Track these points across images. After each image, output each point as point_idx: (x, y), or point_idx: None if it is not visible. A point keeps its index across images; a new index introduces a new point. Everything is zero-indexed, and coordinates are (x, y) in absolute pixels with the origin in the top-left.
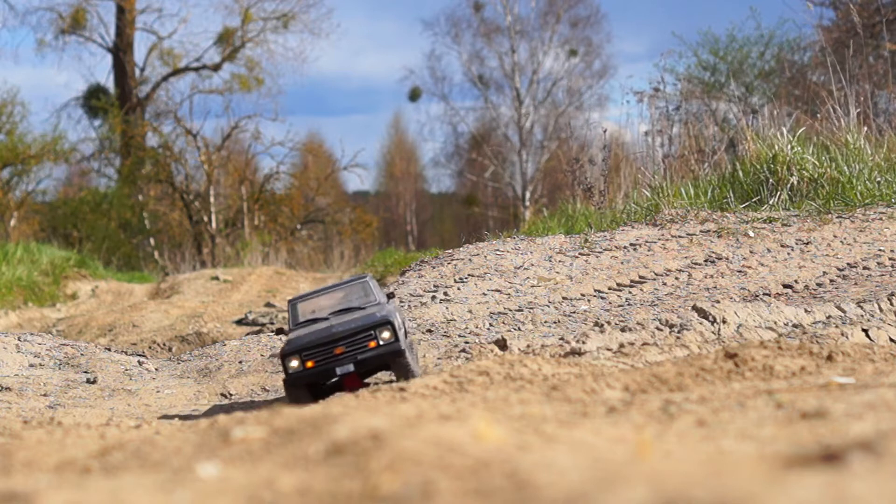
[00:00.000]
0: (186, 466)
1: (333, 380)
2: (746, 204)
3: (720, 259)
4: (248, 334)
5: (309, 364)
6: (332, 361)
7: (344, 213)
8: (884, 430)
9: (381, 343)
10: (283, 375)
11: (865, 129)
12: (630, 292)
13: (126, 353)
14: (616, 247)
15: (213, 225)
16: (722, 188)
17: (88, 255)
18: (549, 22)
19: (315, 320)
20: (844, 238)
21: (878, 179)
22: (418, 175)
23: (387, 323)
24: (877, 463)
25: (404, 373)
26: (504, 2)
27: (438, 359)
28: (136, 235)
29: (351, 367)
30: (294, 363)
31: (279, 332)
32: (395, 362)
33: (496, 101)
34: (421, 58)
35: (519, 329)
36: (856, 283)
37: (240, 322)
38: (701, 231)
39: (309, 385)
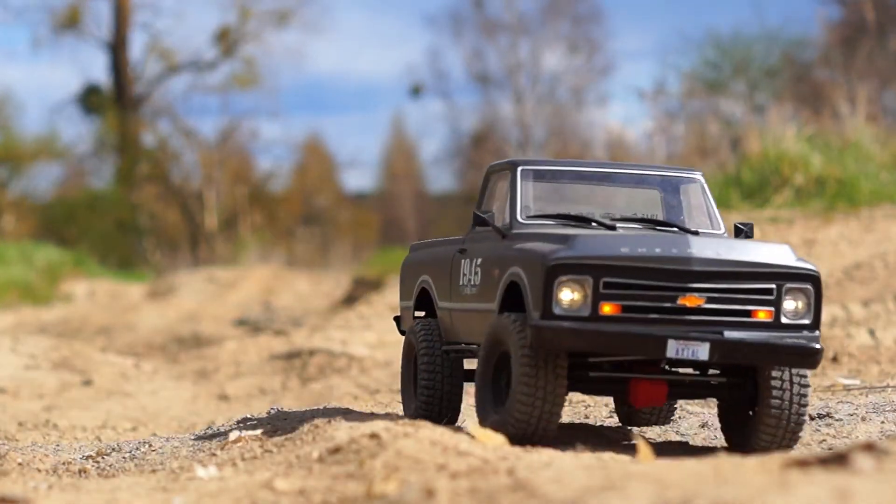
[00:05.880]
0: (184, 468)
1: (627, 374)
2: (751, 203)
3: None
4: (245, 335)
5: (609, 308)
6: (668, 320)
7: (343, 212)
8: (889, 432)
9: (784, 321)
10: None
11: (872, 127)
12: None
13: (122, 354)
14: None
15: (211, 224)
16: (726, 187)
17: (84, 255)
18: (551, 19)
19: (584, 220)
20: (850, 238)
21: (885, 179)
22: (418, 174)
23: (811, 279)
24: (882, 465)
25: (795, 414)
26: None
27: None
28: (133, 235)
29: (704, 351)
30: (572, 294)
31: (479, 221)
32: (789, 378)
33: (497, 98)
34: (422, 55)
35: None
36: (861, 284)
37: (238, 323)
38: None
39: (574, 361)
